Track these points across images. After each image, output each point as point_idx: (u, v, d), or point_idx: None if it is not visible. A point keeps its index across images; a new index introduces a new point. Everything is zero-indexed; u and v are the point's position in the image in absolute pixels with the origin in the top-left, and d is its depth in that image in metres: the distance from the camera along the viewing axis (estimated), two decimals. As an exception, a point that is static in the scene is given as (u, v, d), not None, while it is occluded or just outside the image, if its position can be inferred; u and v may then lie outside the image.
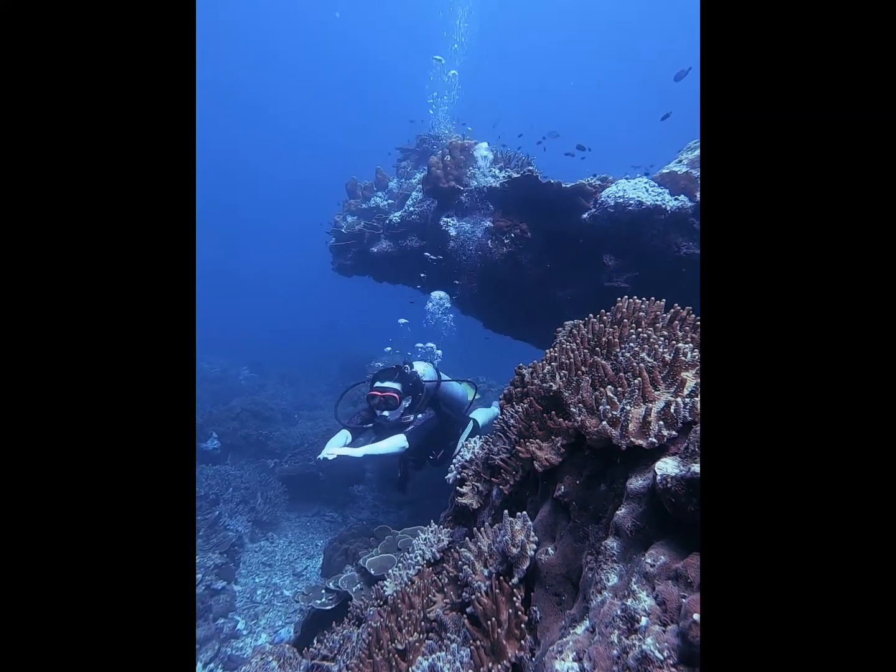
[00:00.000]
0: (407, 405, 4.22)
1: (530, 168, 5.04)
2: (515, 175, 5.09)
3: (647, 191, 4.57)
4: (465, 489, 1.82)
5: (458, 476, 1.92)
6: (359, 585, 3.18)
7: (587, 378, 1.41)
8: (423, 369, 4.60)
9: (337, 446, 4.12)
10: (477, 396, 5.19)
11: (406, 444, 4.02)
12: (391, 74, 36.27)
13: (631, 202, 4.56)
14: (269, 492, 8.39)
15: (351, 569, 3.58)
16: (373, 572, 3.18)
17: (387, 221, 6.95)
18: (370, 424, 4.51)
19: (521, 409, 1.77)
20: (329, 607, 3.27)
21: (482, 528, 1.48)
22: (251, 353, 18.93)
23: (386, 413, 4.14)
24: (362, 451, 4.02)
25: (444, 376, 4.84)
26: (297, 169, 42.19)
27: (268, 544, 7.59)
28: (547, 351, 1.83)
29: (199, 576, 6.01)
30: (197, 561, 6.22)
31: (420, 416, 4.24)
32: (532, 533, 1.25)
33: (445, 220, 5.42)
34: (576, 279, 5.60)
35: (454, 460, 2.06)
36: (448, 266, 6.32)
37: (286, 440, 11.76)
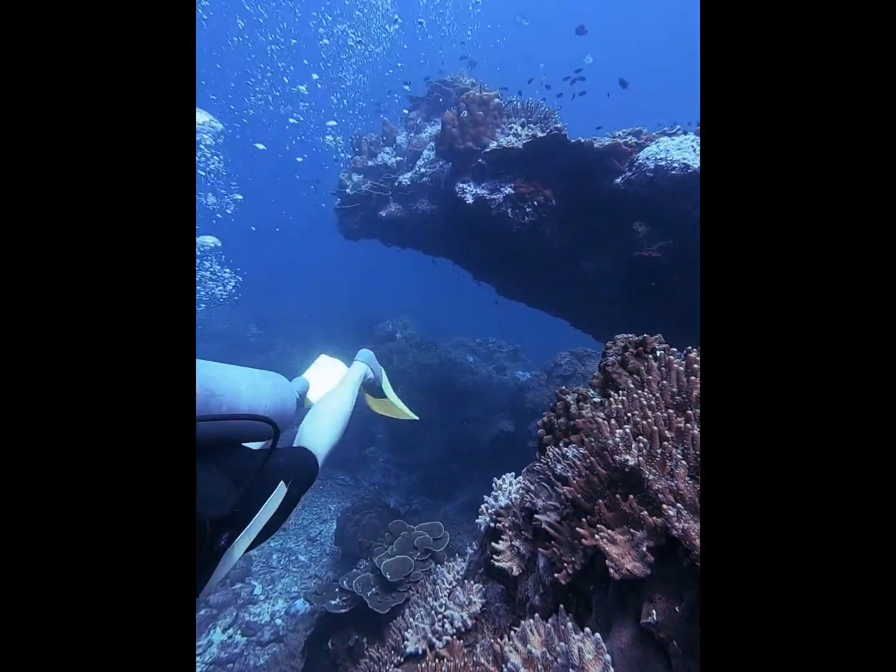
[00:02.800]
0: None
1: (557, 126, 4.49)
2: (541, 134, 4.55)
3: (694, 150, 4.04)
4: (501, 546, 1.56)
5: (492, 525, 1.66)
6: (374, 590, 3.05)
7: (679, 455, 1.10)
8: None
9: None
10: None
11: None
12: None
13: (675, 165, 4.05)
14: (281, 458, 8.38)
15: (365, 565, 3.47)
16: (389, 577, 3.03)
17: (396, 183, 6.42)
18: None
19: (576, 463, 1.47)
20: (343, 610, 3.16)
21: (532, 621, 1.23)
22: (258, 311, 18.69)
23: None
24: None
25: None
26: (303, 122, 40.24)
27: (280, 509, 7.66)
28: (610, 400, 1.50)
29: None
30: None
31: None
32: (610, 669, 0.98)
33: (461, 185, 4.92)
34: (603, 249, 5.16)
35: (483, 506, 1.79)
36: (462, 233, 5.87)
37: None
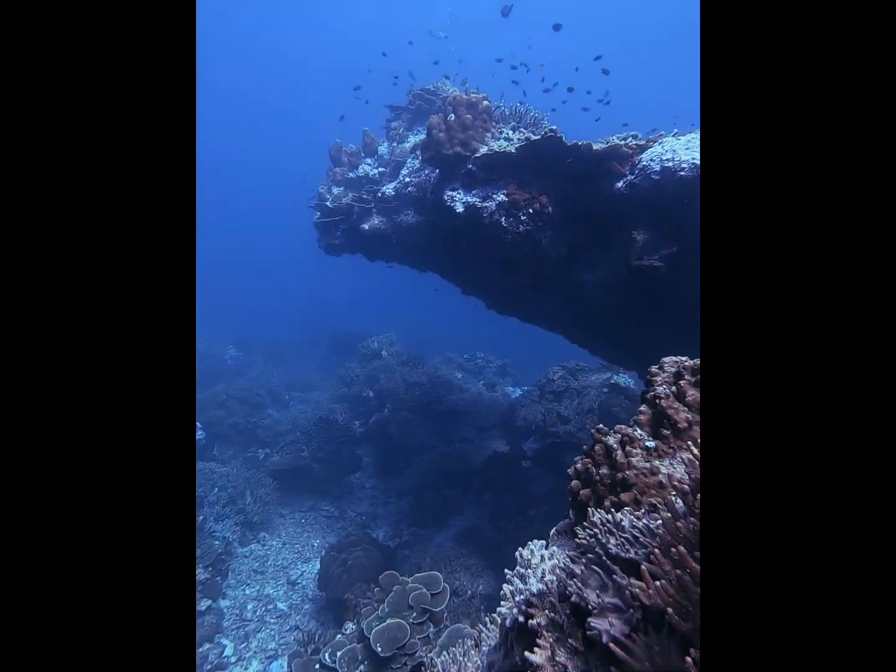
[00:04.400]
0: None
1: (552, 128, 4.16)
2: (534, 137, 4.22)
3: (701, 155, 3.73)
4: (538, 659, 1.12)
5: (521, 620, 1.23)
6: (362, 668, 2.54)
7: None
8: None
9: None
10: None
11: None
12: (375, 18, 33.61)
13: (684, 165, 3.74)
14: (259, 490, 7.74)
15: (351, 629, 2.95)
16: (380, 649, 2.54)
17: (378, 194, 6.04)
18: None
19: (644, 540, 1.06)
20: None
21: None
22: (236, 332, 17.99)
23: None
24: None
25: None
26: (279, 136, 40.00)
27: (259, 548, 6.99)
28: (679, 477, 1.08)
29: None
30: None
31: None
32: None
33: (450, 193, 4.55)
34: (603, 258, 4.83)
35: (506, 587, 1.34)
36: (451, 245, 5.49)
37: (277, 427, 11.07)
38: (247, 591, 5.85)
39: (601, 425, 1.51)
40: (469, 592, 5.28)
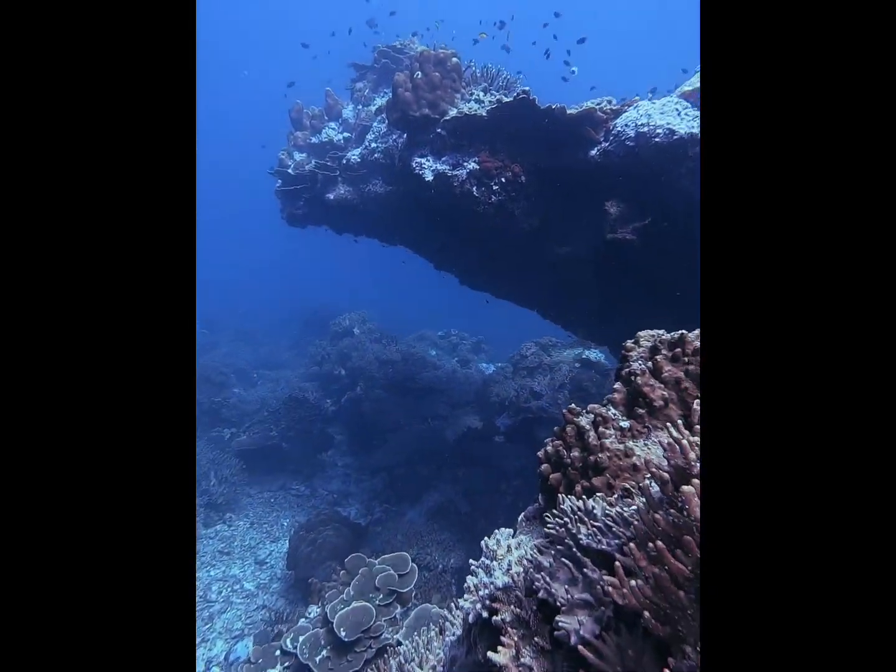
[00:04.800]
0: None
1: (525, 90, 3.95)
2: (507, 99, 4.00)
3: (678, 114, 3.59)
4: (501, 659, 1.01)
5: (485, 615, 1.11)
6: (324, 652, 2.44)
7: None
8: None
9: None
10: None
11: None
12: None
13: (658, 131, 3.60)
14: (224, 471, 7.49)
15: (316, 613, 2.84)
16: (343, 634, 2.44)
17: (343, 161, 5.72)
18: None
19: (617, 530, 0.95)
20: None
21: None
22: (202, 309, 17.27)
23: None
24: None
25: None
26: (237, 96, 37.91)
27: (225, 528, 6.80)
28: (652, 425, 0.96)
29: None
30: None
31: None
32: None
33: (419, 160, 4.30)
34: (578, 230, 4.70)
35: (470, 580, 1.22)
36: (422, 215, 5.27)
37: (243, 406, 10.76)
38: (211, 573, 5.69)
39: (573, 405, 1.38)
40: (440, 566, 5.26)
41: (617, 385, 1.39)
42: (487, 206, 4.35)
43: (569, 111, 3.88)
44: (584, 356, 9.95)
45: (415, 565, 3.31)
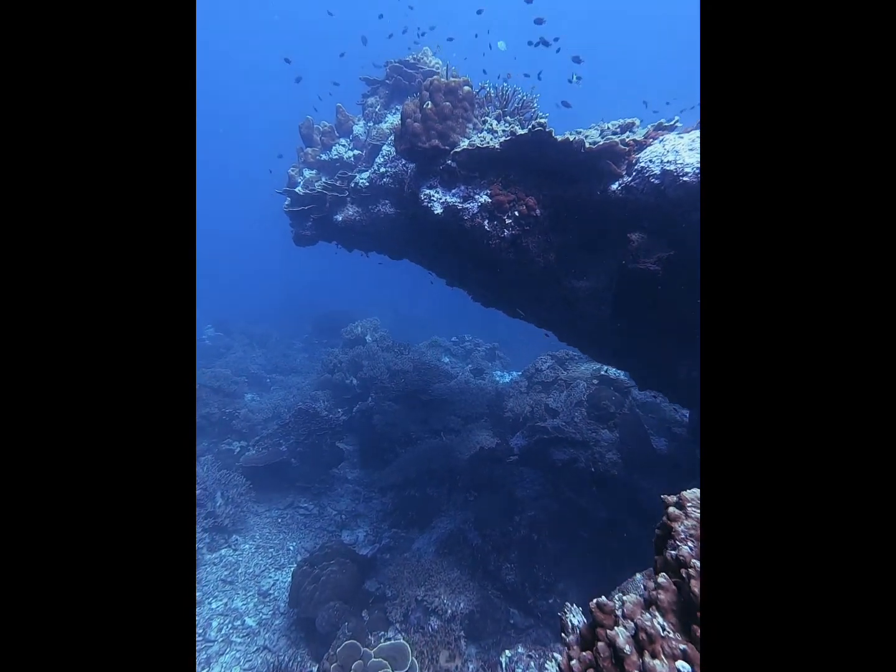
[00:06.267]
0: None
1: (541, 122, 3.65)
2: (521, 131, 3.71)
3: (710, 160, 3.26)
4: None
5: None
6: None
7: None
8: None
9: None
10: None
11: None
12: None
13: (687, 170, 3.29)
14: (231, 491, 7.42)
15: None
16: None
17: (353, 184, 5.49)
18: None
19: None
20: None
21: None
22: (214, 310, 17.35)
23: None
24: None
25: None
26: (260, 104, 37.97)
27: (230, 553, 6.71)
28: None
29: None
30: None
31: None
32: None
33: (427, 191, 4.04)
34: (596, 267, 4.40)
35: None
36: (431, 243, 5.03)
37: (254, 416, 10.71)
38: (213, 605, 5.60)
39: (603, 599, 1.10)
40: (449, 612, 5.07)
41: (661, 580, 1.09)
42: (500, 240, 4.08)
43: (587, 145, 3.58)
44: (602, 372, 9.63)
45: (415, 660, 3.10)
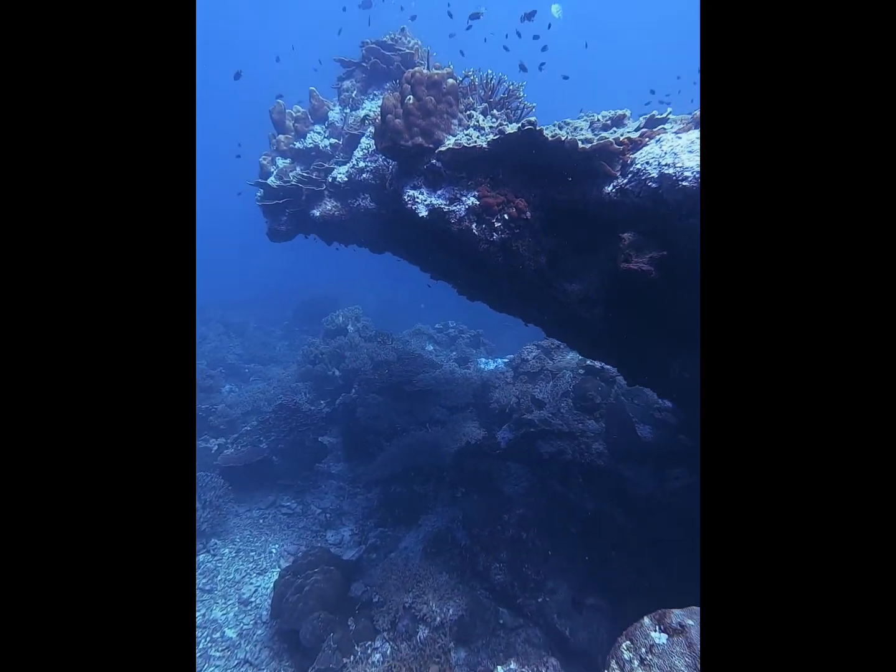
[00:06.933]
0: None
1: (531, 120, 3.41)
2: (510, 130, 3.46)
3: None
4: None
5: None
6: None
7: None
8: None
9: None
10: None
11: None
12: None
13: (687, 174, 3.10)
14: (209, 493, 7.18)
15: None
16: None
17: (329, 179, 5.16)
18: None
19: None
20: None
21: None
22: (190, 298, 16.75)
23: None
24: None
25: None
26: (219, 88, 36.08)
27: (208, 558, 6.51)
28: None
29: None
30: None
31: None
32: None
33: (411, 192, 3.78)
34: (587, 265, 4.22)
35: None
36: (415, 244, 4.77)
37: (232, 412, 10.42)
38: (195, 617, 5.42)
39: None
40: (438, 619, 5.00)
41: None
42: (489, 244, 3.86)
43: (581, 145, 3.36)
44: (588, 362, 9.58)
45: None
